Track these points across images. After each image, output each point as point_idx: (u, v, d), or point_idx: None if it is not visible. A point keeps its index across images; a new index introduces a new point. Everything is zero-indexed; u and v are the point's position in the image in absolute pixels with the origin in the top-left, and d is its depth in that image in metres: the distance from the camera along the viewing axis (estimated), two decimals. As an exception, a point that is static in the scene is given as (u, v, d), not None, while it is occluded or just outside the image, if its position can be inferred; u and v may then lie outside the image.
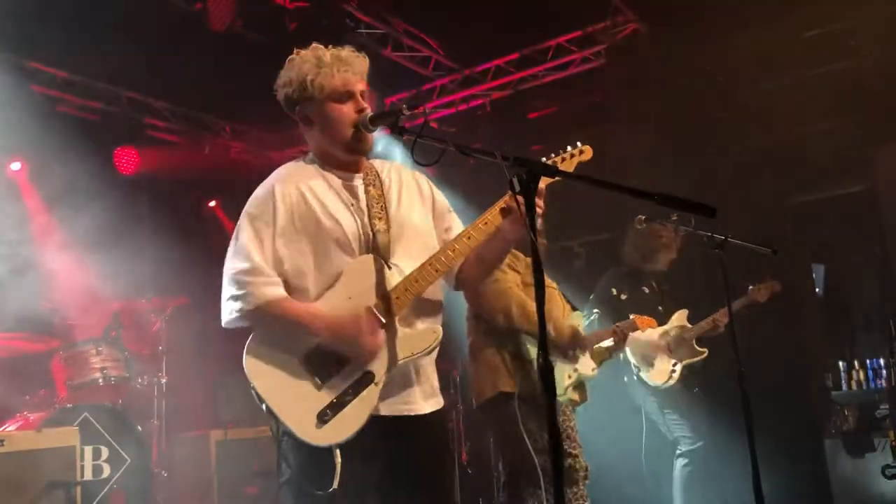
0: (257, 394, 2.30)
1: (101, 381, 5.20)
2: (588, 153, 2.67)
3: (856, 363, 6.09)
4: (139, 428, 5.12)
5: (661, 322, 5.01)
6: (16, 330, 5.49)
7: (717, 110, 6.03)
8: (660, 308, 5.06)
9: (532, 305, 3.74)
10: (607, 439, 4.91)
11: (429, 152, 2.26)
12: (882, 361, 6.10)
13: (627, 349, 4.98)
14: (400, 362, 2.36)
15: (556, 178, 2.13)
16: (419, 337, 2.40)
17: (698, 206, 1.76)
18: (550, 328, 3.75)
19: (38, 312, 5.75)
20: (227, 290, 2.36)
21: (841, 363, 6.26)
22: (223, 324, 2.40)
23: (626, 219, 4.94)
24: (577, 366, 3.92)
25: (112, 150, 7.23)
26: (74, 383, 5.15)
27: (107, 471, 4.80)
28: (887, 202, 5.50)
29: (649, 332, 4.93)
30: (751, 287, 4.94)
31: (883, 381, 6.05)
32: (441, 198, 2.67)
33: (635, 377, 4.97)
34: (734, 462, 4.17)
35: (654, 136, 6.22)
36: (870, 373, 6.17)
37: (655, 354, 4.95)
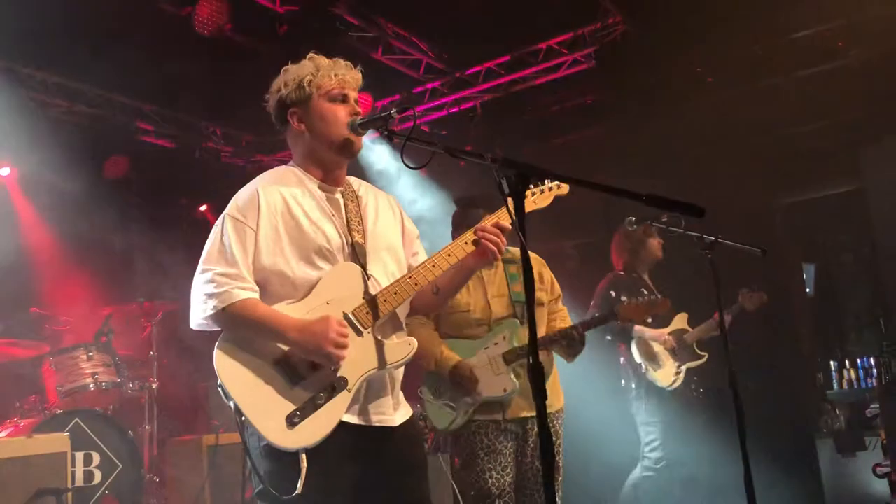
0: (225, 391, 2.27)
1: (92, 386, 5.18)
2: (565, 188, 2.69)
3: (847, 362, 6.13)
4: (130, 433, 5.09)
5: (659, 325, 5.06)
6: (5, 336, 5.48)
7: (706, 111, 6.05)
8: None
9: (435, 349, 3.64)
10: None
11: (419, 155, 2.27)
12: (873, 360, 6.14)
13: (633, 348, 5.00)
14: (374, 372, 2.35)
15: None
16: (396, 348, 2.40)
17: (688, 207, 1.76)
18: (431, 363, 3.63)
19: (28, 318, 5.73)
20: (204, 288, 2.32)
21: (832, 362, 6.30)
22: (193, 325, 2.36)
23: (618, 220, 4.95)
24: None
25: (102, 155, 7.21)
26: (65, 389, 5.12)
27: (98, 477, 4.77)
28: (876, 202, 5.53)
29: (654, 332, 4.97)
30: (741, 294, 4.98)
31: (874, 380, 6.08)
32: (410, 224, 2.70)
33: (642, 376, 4.95)
34: (726, 461, 4.18)
35: (644, 137, 6.24)
36: (861, 372, 6.20)
37: (661, 355, 4.97)
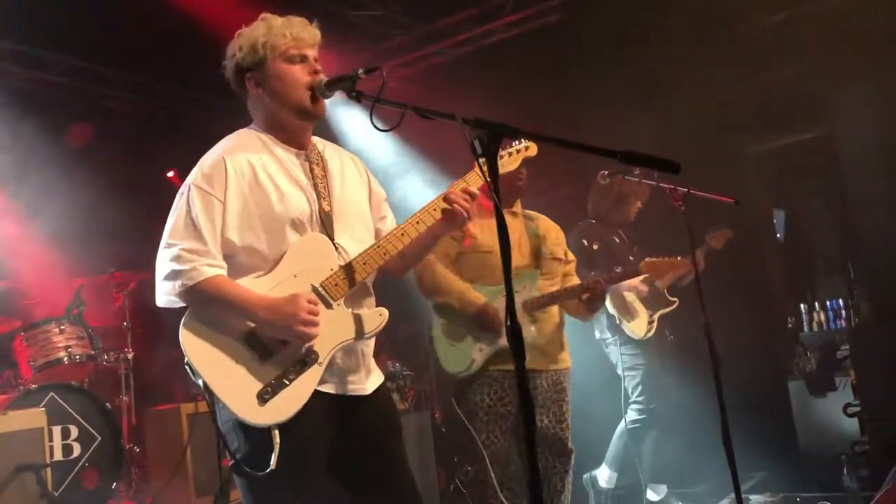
0: (193, 369, 2.22)
1: (65, 359, 5.12)
2: (533, 149, 2.69)
3: (817, 305, 6.23)
4: (108, 405, 5.06)
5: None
6: (-27, 312, 5.38)
7: (674, 61, 6.01)
8: (630, 258, 5.10)
9: (442, 278, 3.68)
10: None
11: (388, 116, 2.22)
12: (842, 303, 6.24)
13: (607, 301, 5.00)
14: (346, 343, 2.33)
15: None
16: (367, 319, 2.37)
17: (663, 163, 1.74)
18: (454, 300, 3.67)
19: (-4, 293, 5.64)
20: (169, 264, 2.25)
21: (802, 305, 6.40)
22: (159, 302, 2.31)
23: (589, 174, 4.94)
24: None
25: (63, 122, 7.02)
26: (38, 363, 5.06)
27: (77, 450, 4.75)
28: (845, 147, 5.58)
29: (627, 283, 4.97)
30: (707, 236, 5.02)
31: (843, 322, 6.20)
32: (377, 187, 2.65)
33: (617, 327, 4.98)
34: (701, 405, 4.25)
35: (614, 89, 6.19)
36: (830, 314, 6.31)
37: (635, 305, 4.99)
